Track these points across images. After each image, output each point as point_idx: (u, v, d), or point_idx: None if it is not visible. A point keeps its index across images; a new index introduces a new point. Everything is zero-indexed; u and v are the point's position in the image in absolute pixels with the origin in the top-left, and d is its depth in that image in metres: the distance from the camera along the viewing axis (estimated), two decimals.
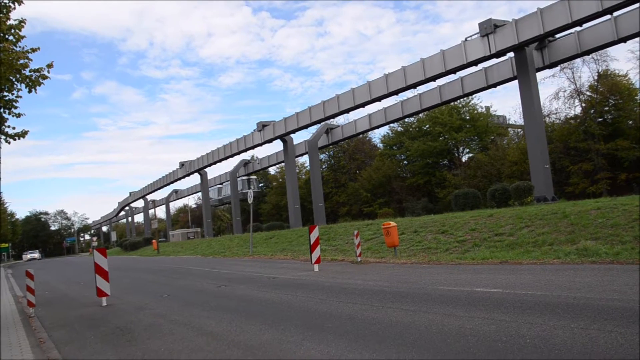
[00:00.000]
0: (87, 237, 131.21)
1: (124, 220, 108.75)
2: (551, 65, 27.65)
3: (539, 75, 27.93)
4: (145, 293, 14.03)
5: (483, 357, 4.98)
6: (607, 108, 33.44)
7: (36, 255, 79.91)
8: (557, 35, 25.24)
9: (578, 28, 23.55)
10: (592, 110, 33.51)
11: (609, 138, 31.93)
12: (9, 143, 11.21)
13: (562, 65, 30.73)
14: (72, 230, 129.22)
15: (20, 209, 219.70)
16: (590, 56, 30.71)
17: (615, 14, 22.19)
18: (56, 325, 9.88)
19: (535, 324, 6.04)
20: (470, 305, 7.60)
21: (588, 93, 34.54)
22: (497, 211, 19.33)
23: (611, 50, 29.90)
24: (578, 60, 31.91)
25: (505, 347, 5.20)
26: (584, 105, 34.67)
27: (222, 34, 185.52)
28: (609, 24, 23.51)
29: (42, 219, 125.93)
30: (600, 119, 33.37)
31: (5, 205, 69.12)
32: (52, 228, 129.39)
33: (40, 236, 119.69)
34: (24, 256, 79.97)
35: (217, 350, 6.39)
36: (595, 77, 33.92)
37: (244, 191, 69.35)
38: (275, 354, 5.95)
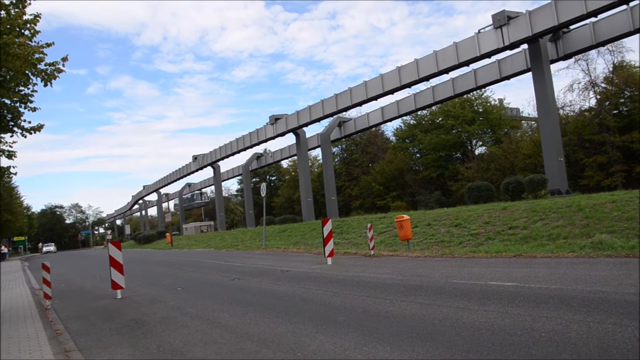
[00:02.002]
0: (101, 230, 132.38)
1: (138, 213, 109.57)
2: (565, 57, 27.41)
3: (553, 67, 27.72)
4: (160, 286, 14.13)
5: (498, 350, 4.96)
6: (622, 100, 33.09)
7: (51, 248, 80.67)
8: (572, 27, 25.01)
9: (593, 19, 23.31)
10: (607, 102, 33.14)
11: (624, 130, 31.57)
12: (25, 137, 11.34)
13: (576, 56, 30.44)
14: (87, 223, 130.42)
15: (35, 203, 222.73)
16: (605, 47, 30.35)
17: (632, 3, 21.89)
18: (72, 317, 10.00)
19: (550, 317, 6.01)
20: (485, 298, 7.57)
21: (603, 85, 34.17)
22: (510, 204, 19.21)
23: (627, 41, 29.56)
24: (593, 52, 31.56)
25: (520, 341, 5.18)
26: (598, 97, 34.32)
27: (235, 27, 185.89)
28: (625, 14, 23.22)
29: (57, 213, 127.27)
30: (615, 111, 33.03)
31: (22, 199, 69.83)
32: (67, 221, 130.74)
33: (56, 229, 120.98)
34: (43, 248, 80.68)
35: (231, 343, 6.43)
36: (611, 69, 33.54)
37: (197, 201, 72.35)
38: (289, 346, 5.97)
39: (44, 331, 8.46)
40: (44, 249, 79.83)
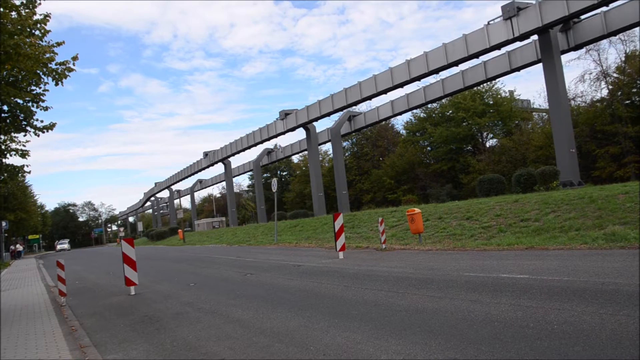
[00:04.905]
0: (114, 227, 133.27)
1: (150, 210, 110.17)
2: (576, 47, 27.10)
3: (564, 58, 27.39)
4: (172, 282, 14.23)
5: (510, 343, 4.96)
6: (635, 90, 32.69)
7: (65, 246, 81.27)
8: (583, 16, 24.69)
9: (604, 8, 23.05)
10: (619, 93, 32.80)
11: (637, 120, 31.23)
12: (38, 136, 11.49)
13: (587, 47, 30.08)
14: (100, 221, 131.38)
15: (49, 201, 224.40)
16: (617, 37, 30.01)
17: None
18: (87, 313, 10.11)
19: (562, 309, 6.00)
20: (497, 291, 7.55)
21: (615, 75, 33.81)
22: (522, 196, 19.11)
23: (639, 30, 29.19)
24: (604, 42, 31.17)
25: (532, 333, 5.17)
26: (610, 87, 33.95)
27: (245, 24, 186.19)
28: (636, 3, 22.90)
29: (71, 211, 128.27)
30: (627, 101, 32.66)
31: (35, 198, 70.42)
32: (80, 219, 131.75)
33: (69, 227, 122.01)
34: (57, 246, 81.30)
35: (244, 338, 6.48)
36: (623, 58, 33.16)
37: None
38: (301, 340, 6.01)
39: (59, 327, 8.57)
40: (58, 246, 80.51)
